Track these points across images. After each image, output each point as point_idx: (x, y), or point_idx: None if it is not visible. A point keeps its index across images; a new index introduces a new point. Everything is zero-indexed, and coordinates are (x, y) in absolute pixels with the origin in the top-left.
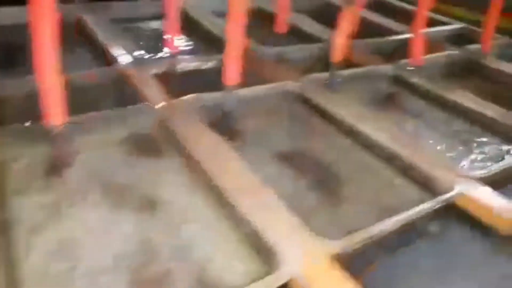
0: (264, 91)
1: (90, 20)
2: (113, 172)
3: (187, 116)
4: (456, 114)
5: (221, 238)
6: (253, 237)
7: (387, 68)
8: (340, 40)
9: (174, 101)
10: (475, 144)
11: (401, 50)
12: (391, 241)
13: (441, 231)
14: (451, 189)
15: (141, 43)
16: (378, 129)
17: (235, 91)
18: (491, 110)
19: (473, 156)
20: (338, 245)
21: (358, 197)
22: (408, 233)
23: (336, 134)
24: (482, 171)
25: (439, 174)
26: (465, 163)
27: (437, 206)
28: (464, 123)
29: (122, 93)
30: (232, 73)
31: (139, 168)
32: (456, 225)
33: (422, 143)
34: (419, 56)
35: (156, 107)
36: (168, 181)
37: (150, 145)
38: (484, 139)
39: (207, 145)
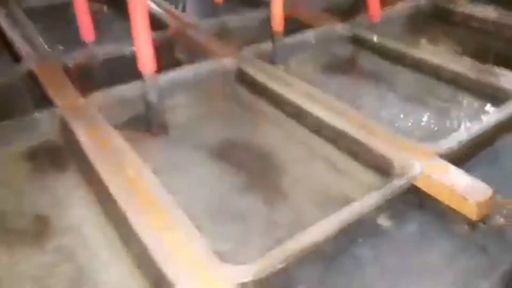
0: (197, 72)
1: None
2: (4, 197)
3: (96, 117)
4: (422, 73)
5: (114, 263)
6: (147, 264)
7: (343, 28)
8: (277, 4)
9: (84, 99)
10: (441, 107)
11: (359, 3)
12: (331, 247)
13: (397, 222)
14: (409, 170)
15: (55, 33)
16: (328, 105)
17: (156, 77)
18: (460, 65)
19: (437, 123)
20: (251, 271)
21: (300, 192)
22: (354, 232)
23: (280, 117)
24: (446, 145)
25: (394, 153)
26: (427, 133)
27: (391, 193)
28: (431, 82)
29: (28, 95)
30: (146, 58)
31: (36, 189)
32: (415, 213)
33: (381, 114)
34: (377, 9)
35: (62, 109)
36: (67, 199)
37: (52, 157)
38: (453, 100)
39: (111, 152)
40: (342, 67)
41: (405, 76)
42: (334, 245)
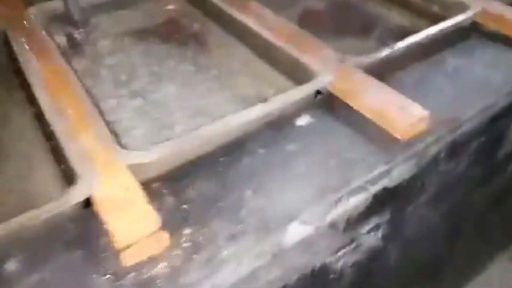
0: None
1: None
2: None
3: None
4: (242, 41)
5: None
6: None
7: None
8: None
9: None
10: (217, 93)
11: None
12: None
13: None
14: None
15: None
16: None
17: None
18: (274, 34)
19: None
20: None
21: None
22: None
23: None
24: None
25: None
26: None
27: None
28: (248, 55)
29: None
30: None
31: None
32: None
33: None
34: None
35: None
36: None
37: None
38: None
39: None
40: (154, 30)
41: (222, 45)
42: None
